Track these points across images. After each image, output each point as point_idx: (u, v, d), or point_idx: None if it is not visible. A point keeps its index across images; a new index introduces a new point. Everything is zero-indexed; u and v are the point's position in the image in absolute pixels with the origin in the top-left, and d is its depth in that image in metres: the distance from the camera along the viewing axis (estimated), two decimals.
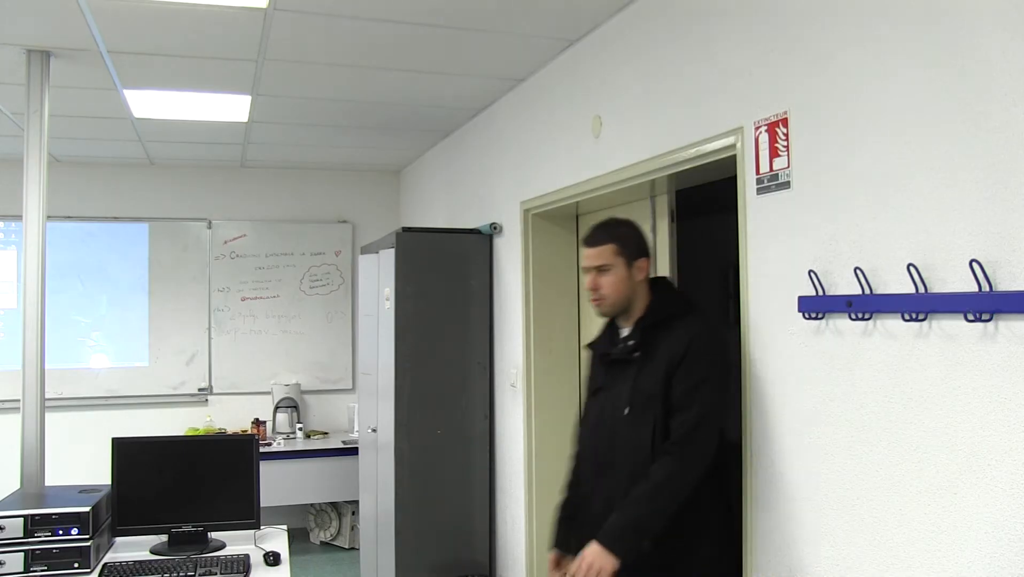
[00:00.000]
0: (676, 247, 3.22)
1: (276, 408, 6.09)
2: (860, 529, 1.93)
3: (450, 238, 4.44)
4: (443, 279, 4.34)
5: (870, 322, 1.89)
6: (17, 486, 3.27)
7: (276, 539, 3.17)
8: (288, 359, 6.33)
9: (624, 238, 2.44)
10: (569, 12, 3.08)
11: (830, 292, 2.02)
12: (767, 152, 2.24)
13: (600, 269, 2.42)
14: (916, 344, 1.77)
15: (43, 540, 2.71)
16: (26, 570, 2.68)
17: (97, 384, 5.99)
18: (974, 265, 1.61)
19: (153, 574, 2.73)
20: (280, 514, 4.85)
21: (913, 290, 1.75)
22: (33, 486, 3.26)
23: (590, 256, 2.45)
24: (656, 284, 2.51)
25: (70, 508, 2.75)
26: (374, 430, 4.64)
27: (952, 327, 1.69)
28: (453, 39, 3.35)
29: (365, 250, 5.12)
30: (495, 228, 4.32)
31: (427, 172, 5.84)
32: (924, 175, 1.76)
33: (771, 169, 2.23)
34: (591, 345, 2.66)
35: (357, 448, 5.23)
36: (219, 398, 6.19)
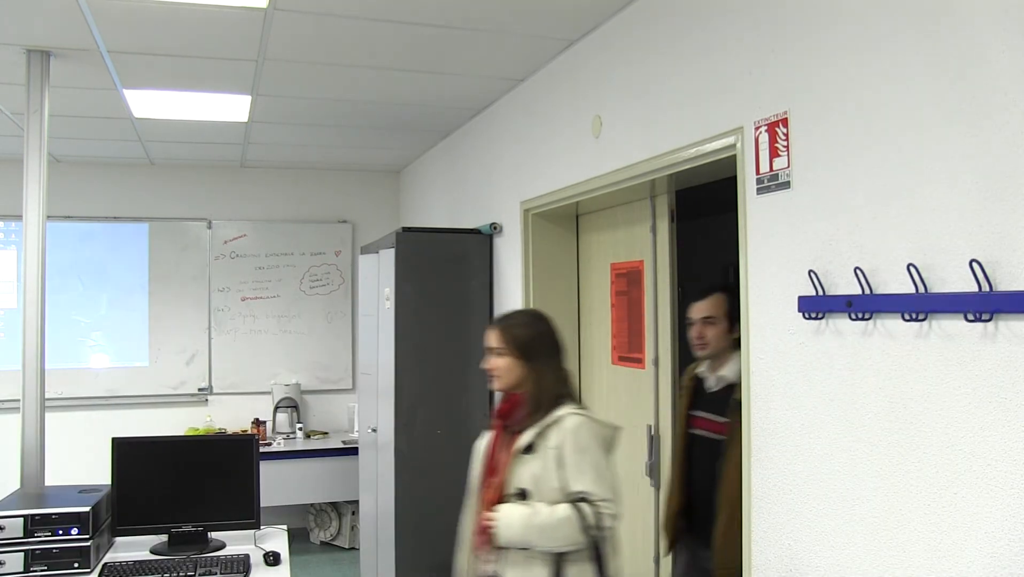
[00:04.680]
0: (676, 247, 3.22)
1: (276, 408, 6.09)
2: (860, 529, 1.93)
3: (450, 238, 4.44)
4: (443, 279, 4.34)
5: (870, 322, 1.89)
6: (17, 486, 3.27)
7: (276, 539, 3.17)
8: (288, 359, 6.33)
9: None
10: (569, 12, 3.08)
11: (830, 292, 2.02)
12: (767, 152, 2.24)
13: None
14: (916, 344, 1.77)
15: (43, 540, 2.71)
16: (26, 570, 2.68)
17: (97, 384, 5.99)
18: (974, 265, 1.61)
19: (153, 574, 2.73)
20: (280, 514, 4.85)
21: (913, 290, 1.75)
22: (33, 486, 3.26)
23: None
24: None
25: (70, 508, 2.75)
26: (374, 430, 4.64)
27: (952, 327, 1.69)
28: (453, 39, 3.35)
29: (365, 250, 5.12)
30: (495, 228, 4.32)
31: (427, 172, 5.84)
32: (924, 175, 1.76)
33: (771, 169, 2.23)
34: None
35: (357, 448, 5.23)
36: (219, 398, 6.19)
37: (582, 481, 2.23)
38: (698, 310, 2.82)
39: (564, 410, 2.29)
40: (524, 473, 2.29)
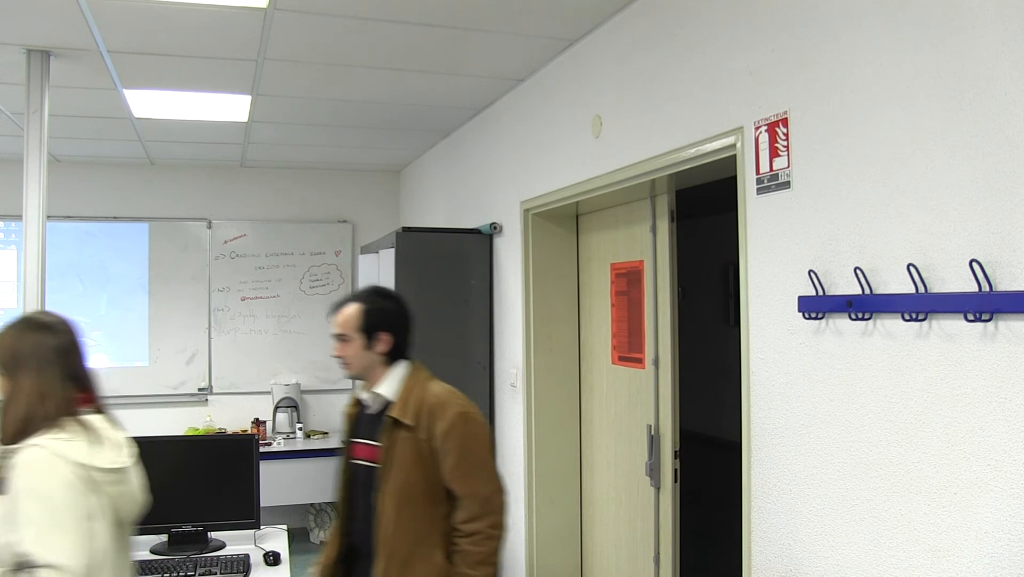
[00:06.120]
0: (676, 247, 3.22)
1: (276, 408, 6.09)
2: (860, 529, 1.93)
3: (450, 238, 4.44)
4: (443, 279, 4.34)
5: (870, 322, 1.89)
6: None
7: (276, 539, 3.17)
8: (288, 359, 6.33)
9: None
10: (569, 12, 3.08)
11: (830, 292, 2.02)
12: (767, 152, 2.24)
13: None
14: (916, 344, 1.77)
15: None
16: None
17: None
18: (974, 265, 1.61)
19: (153, 574, 2.73)
20: (280, 514, 4.85)
21: (913, 290, 1.75)
22: None
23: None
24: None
25: None
26: None
27: (952, 327, 1.69)
28: (453, 39, 3.35)
29: (365, 250, 5.12)
30: (495, 228, 4.32)
31: (427, 172, 5.84)
32: (924, 175, 1.76)
33: (771, 169, 2.23)
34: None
35: None
36: (219, 398, 6.19)
37: (24, 539, 1.69)
38: (333, 325, 2.51)
39: (32, 440, 1.78)
40: None
